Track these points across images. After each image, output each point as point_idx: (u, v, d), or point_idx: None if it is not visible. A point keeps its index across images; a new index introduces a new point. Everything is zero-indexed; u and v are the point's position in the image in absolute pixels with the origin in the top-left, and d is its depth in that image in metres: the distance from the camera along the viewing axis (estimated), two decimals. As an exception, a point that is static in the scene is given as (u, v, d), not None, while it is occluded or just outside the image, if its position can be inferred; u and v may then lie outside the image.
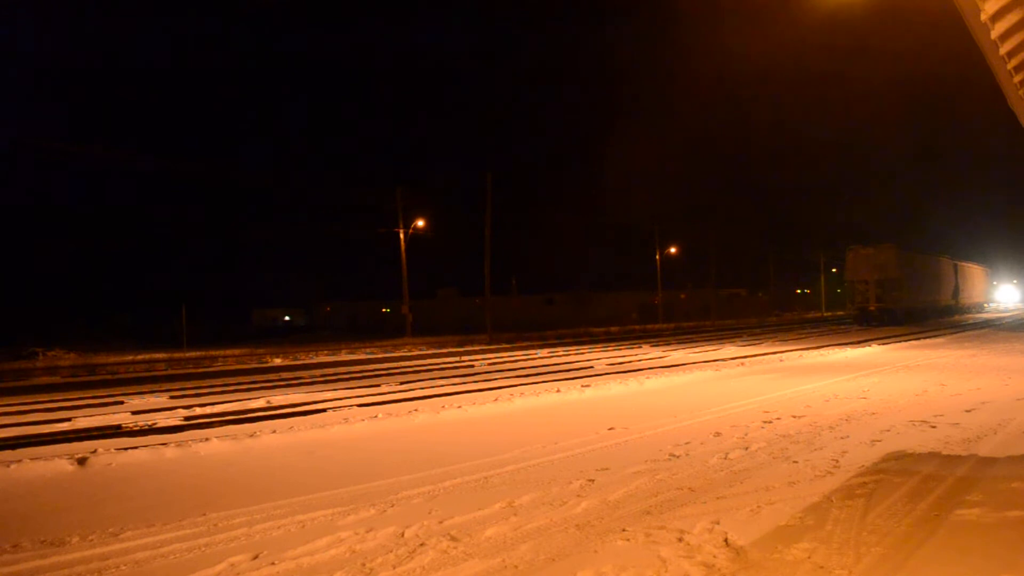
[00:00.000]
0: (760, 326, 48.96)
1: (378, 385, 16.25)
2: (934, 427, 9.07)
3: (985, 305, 67.63)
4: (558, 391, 13.28)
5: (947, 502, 5.65)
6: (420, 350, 31.02)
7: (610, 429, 9.54)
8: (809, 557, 4.56)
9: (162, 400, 14.79)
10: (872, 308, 41.50)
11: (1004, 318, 49.54)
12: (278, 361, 26.36)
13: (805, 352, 22.13)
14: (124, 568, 4.80)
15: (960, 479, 6.37)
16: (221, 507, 6.18)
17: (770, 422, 9.80)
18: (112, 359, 28.26)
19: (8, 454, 8.83)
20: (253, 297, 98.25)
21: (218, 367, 24.82)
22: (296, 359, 27.21)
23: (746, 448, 8.02)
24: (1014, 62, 6.75)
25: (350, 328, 65.70)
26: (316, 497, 6.45)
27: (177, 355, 29.56)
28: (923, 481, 6.32)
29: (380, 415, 10.98)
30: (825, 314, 73.56)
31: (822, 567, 4.40)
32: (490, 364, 22.26)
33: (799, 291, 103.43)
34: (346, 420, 10.55)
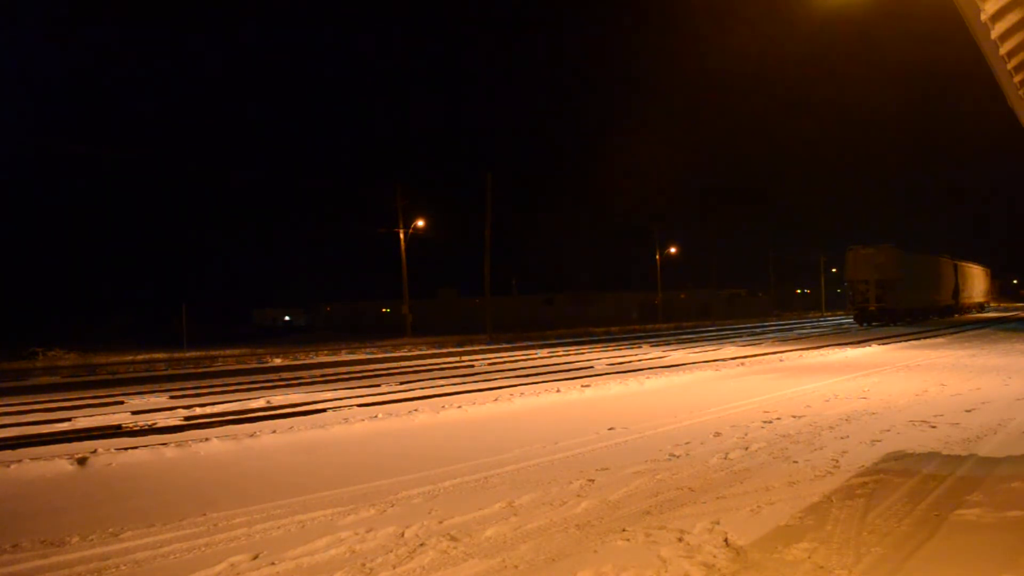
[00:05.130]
0: (760, 326, 48.96)
1: (378, 385, 16.24)
2: (934, 427, 9.07)
3: (985, 305, 67.62)
4: (558, 391, 13.27)
5: (947, 502, 5.64)
6: (420, 350, 31.01)
7: (610, 429, 9.54)
8: (809, 557, 4.56)
9: (162, 400, 14.79)
10: (872, 308, 41.50)
11: (1005, 318, 49.53)
12: (278, 361, 26.35)
13: (805, 352, 22.12)
14: (124, 568, 4.80)
15: (960, 479, 6.37)
16: (221, 507, 6.18)
17: (770, 422, 9.80)
18: (112, 359, 28.27)
19: (8, 454, 8.83)
20: (253, 297, 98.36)
21: (218, 367, 24.81)
22: (296, 359, 27.21)
23: (746, 448, 8.02)
24: (1014, 62, 6.75)
25: (350, 328, 65.69)
26: (316, 497, 6.45)
27: (177, 355, 29.58)
28: (923, 481, 6.32)
29: (380, 415, 10.97)
30: (825, 314, 73.57)
31: (822, 567, 4.40)
32: (490, 364, 22.25)
33: (799, 291, 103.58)
34: (346, 420, 10.55)
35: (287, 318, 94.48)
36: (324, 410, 12.01)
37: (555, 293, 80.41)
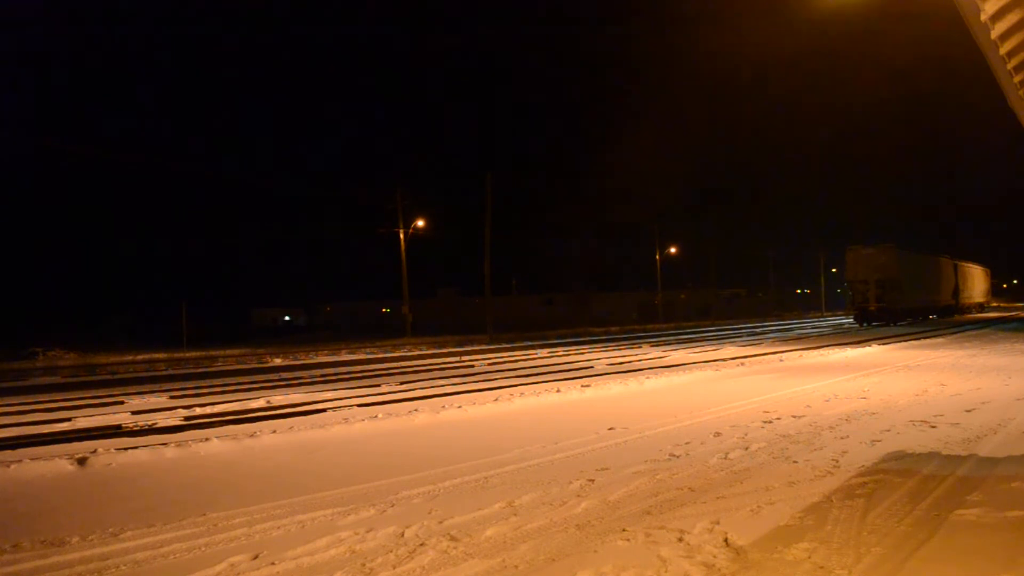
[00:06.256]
0: (760, 326, 48.96)
1: (378, 385, 16.24)
2: (934, 427, 9.07)
3: (985, 305, 67.64)
4: (558, 391, 13.27)
5: (947, 502, 5.64)
6: (420, 350, 31.01)
7: (610, 429, 9.54)
8: (809, 557, 4.56)
9: (162, 400, 14.79)
10: (872, 308, 41.52)
11: (1005, 318, 49.52)
12: (278, 361, 26.36)
13: (805, 352, 22.12)
14: (124, 568, 4.80)
15: (960, 479, 6.37)
16: (221, 507, 6.18)
17: (770, 422, 9.80)
18: (112, 359, 28.28)
19: (8, 454, 8.83)
20: (253, 297, 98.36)
21: (218, 367, 24.81)
22: (296, 359, 27.21)
23: (746, 448, 8.02)
24: (1014, 62, 6.75)
25: (350, 328, 65.71)
26: (316, 497, 6.45)
27: (177, 355, 29.59)
28: (923, 481, 6.32)
29: (380, 415, 10.97)
30: (825, 314, 73.59)
31: (822, 567, 4.40)
32: (490, 364, 22.25)
33: (799, 291, 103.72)
34: (346, 420, 10.55)
35: (287, 318, 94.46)
36: (324, 410, 12.01)
37: (555, 293, 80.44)
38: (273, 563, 4.78)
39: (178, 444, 8.90)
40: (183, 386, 17.90)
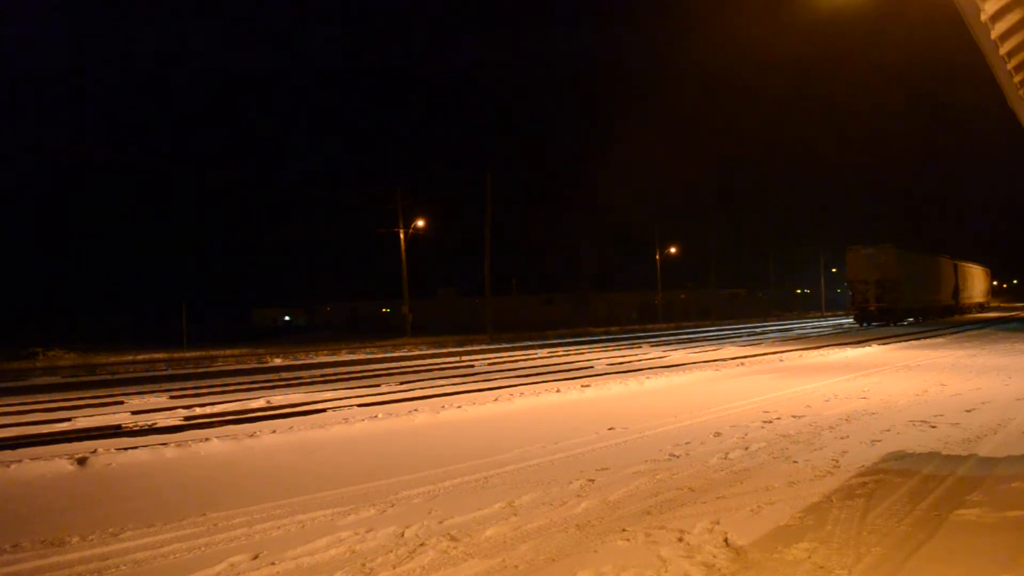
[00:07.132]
0: (760, 326, 48.96)
1: (378, 385, 16.24)
2: (934, 427, 9.07)
3: (985, 305, 67.65)
4: (558, 391, 13.27)
5: (947, 502, 5.65)
6: (420, 350, 31.02)
7: (610, 429, 9.54)
8: (809, 557, 4.56)
9: (162, 400, 14.78)
10: (872, 308, 41.54)
11: (1005, 318, 49.52)
12: (278, 361, 26.35)
13: (805, 352, 22.12)
14: (124, 568, 4.80)
15: (960, 479, 6.37)
16: (221, 507, 6.18)
17: (770, 422, 9.80)
18: (112, 359, 28.29)
19: (8, 454, 8.83)
20: (253, 297, 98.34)
21: (218, 367, 24.81)
22: (296, 359, 27.20)
23: (746, 448, 8.02)
24: (1014, 62, 6.75)
25: (350, 328, 65.70)
26: (316, 497, 6.45)
27: (177, 355, 29.60)
28: (923, 481, 6.32)
29: (380, 415, 10.97)
30: (825, 314, 73.57)
31: (822, 567, 4.40)
32: (490, 364, 22.25)
33: (799, 291, 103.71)
34: (346, 420, 10.55)
35: (287, 318, 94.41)
36: (324, 410, 12.01)
37: (555, 293, 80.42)
38: (273, 563, 4.78)
39: (178, 444, 8.90)
40: (183, 386, 17.90)
